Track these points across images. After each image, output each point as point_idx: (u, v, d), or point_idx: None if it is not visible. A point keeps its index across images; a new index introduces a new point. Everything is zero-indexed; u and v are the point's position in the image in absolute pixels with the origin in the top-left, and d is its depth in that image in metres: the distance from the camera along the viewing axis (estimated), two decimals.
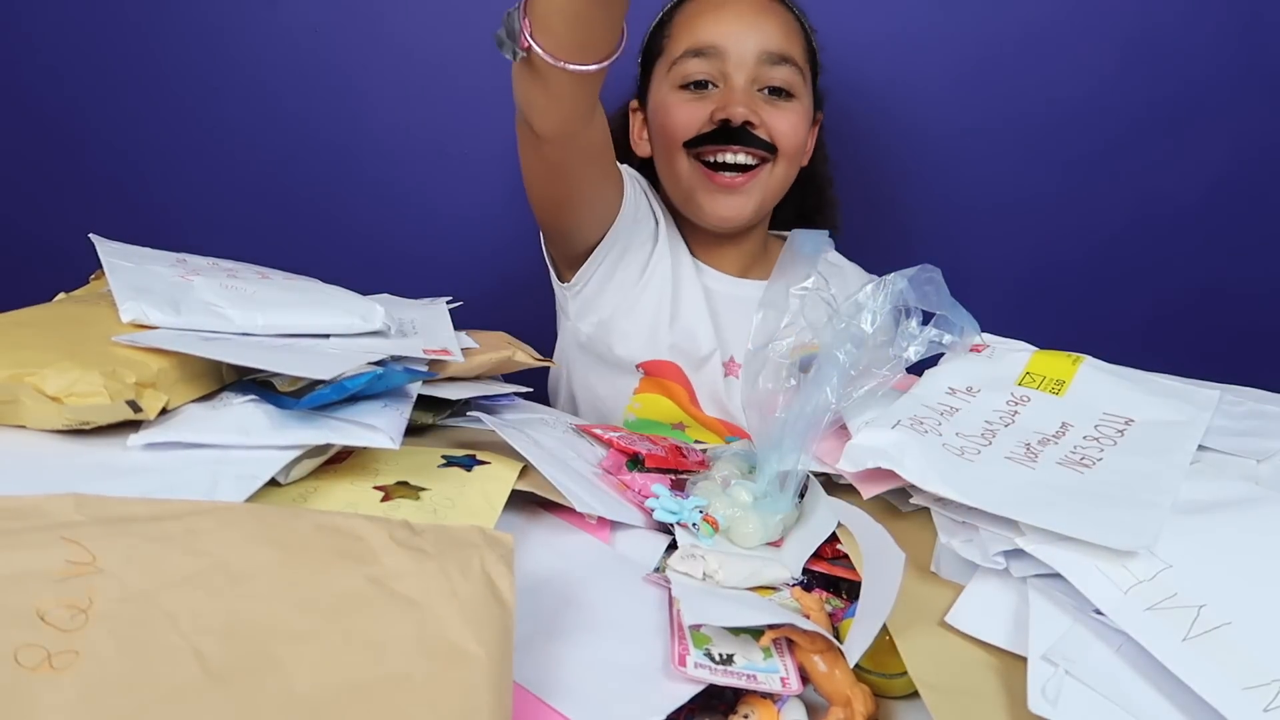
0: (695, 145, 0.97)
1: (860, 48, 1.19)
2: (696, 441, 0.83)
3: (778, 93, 0.97)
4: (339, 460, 0.62)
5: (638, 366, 1.02)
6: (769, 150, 0.97)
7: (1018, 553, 0.55)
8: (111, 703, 0.36)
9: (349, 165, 1.25)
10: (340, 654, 0.40)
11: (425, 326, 0.78)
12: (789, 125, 0.97)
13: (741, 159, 0.96)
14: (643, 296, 1.01)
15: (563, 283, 1.04)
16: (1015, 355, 0.76)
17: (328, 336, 0.71)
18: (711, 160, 0.97)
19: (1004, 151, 1.25)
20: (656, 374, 1.02)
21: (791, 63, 0.96)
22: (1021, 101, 1.22)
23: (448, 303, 0.85)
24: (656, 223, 1.03)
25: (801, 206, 1.15)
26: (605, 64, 0.75)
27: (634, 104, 1.08)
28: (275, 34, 1.21)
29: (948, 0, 1.20)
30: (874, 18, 1.20)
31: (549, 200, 0.94)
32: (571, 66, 0.73)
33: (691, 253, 1.06)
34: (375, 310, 0.74)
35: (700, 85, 0.96)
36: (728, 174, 0.97)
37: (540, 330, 1.02)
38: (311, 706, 0.38)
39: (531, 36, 0.72)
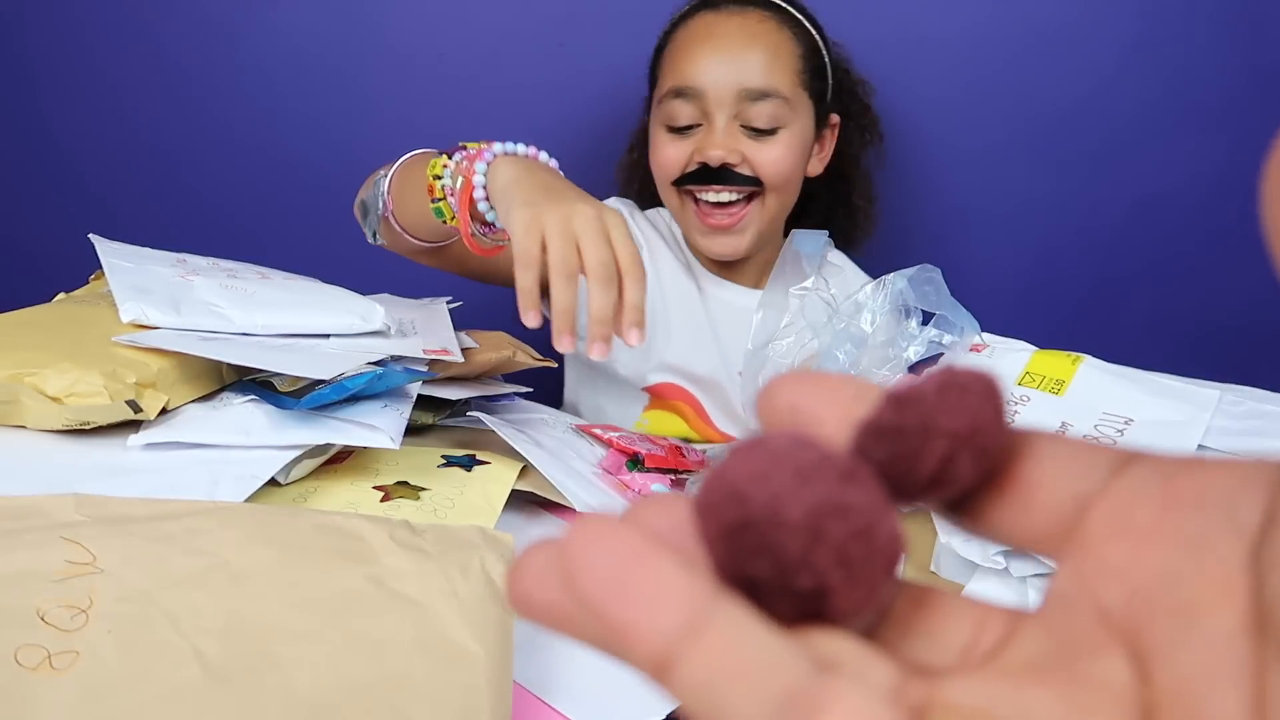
0: (681, 184, 0.97)
1: (860, 48, 1.19)
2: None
3: (760, 131, 0.95)
4: (339, 460, 0.62)
5: (643, 390, 1.02)
6: (754, 184, 0.96)
7: (1017, 552, 0.55)
8: (111, 703, 0.36)
9: (349, 165, 1.25)
10: (340, 654, 0.40)
11: (425, 326, 0.78)
12: (772, 159, 0.95)
13: (726, 196, 0.96)
14: None
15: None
16: (1015, 355, 0.76)
17: (328, 336, 0.71)
18: (700, 198, 0.97)
19: (1004, 151, 1.24)
20: (661, 395, 1.02)
21: (774, 96, 0.94)
22: (1021, 101, 1.22)
23: (448, 303, 0.85)
24: (640, 249, 1.02)
25: (829, 214, 1.14)
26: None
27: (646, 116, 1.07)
28: (276, 33, 1.21)
29: (947, 0, 1.20)
30: (873, 17, 1.20)
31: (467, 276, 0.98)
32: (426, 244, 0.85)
33: (706, 269, 1.06)
34: (375, 310, 0.74)
35: (684, 127, 0.96)
36: (717, 214, 0.97)
37: (540, 331, 1.02)
38: (311, 706, 0.38)
39: (394, 218, 0.81)
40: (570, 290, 0.63)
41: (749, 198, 0.97)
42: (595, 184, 1.14)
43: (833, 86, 1.04)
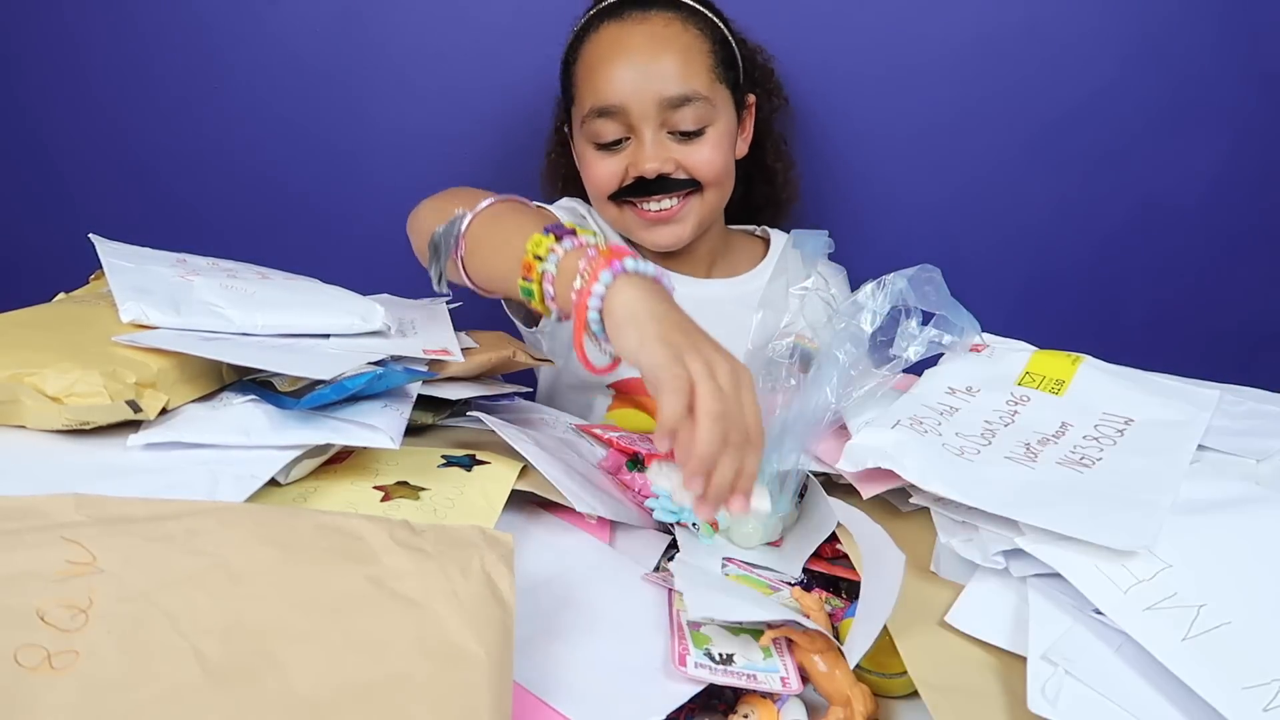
0: (617, 197, 0.99)
1: (860, 47, 1.19)
2: None
3: (688, 134, 0.96)
4: (339, 460, 0.62)
5: (608, 386, 1.02)
6: (692, 185, 0.98)
7: (1017, 552, 0.55)
8: (111, 703, 0.36)
9: (349, 165, 1.25)
10: (340, 654, 0.40)
11: (425, 326, 0.79)
12: (705, 159, 0.97)
13: (668, 204, 0.98)
14: None
15: (528, 328, 1.06)
16: (1015, 355, 0.76)
17: (328, 336, 0.71)
18: (641, 206, 0.99)
19: (1004, 151, 1.24)
20: (627, 390, 1.02)
21: (696, 98, 0.95)
22: (1022, 101, 1.22)
23: (447, 303, 0.85)
24: None
25: (749, 181, 1.14)
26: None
27: (566, 126, 1.06)
28: (275, 33, 1.21)
29: (951, 4, 1.20)
30: (873, 16, 1.20)
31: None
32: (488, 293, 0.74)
33: (657, 264, 1.05)
34: (375, 310, 0.74)
35: (613, 143, 0.97)
36: (657, 210, 0.98)
37: None
38: (311, 706, 0.38)
39: (463, 262, 0.72)
40: (721, 434, 0.57)
41: (686, 196, 0.99)
42: None
43: (743, 68, 1.04)
